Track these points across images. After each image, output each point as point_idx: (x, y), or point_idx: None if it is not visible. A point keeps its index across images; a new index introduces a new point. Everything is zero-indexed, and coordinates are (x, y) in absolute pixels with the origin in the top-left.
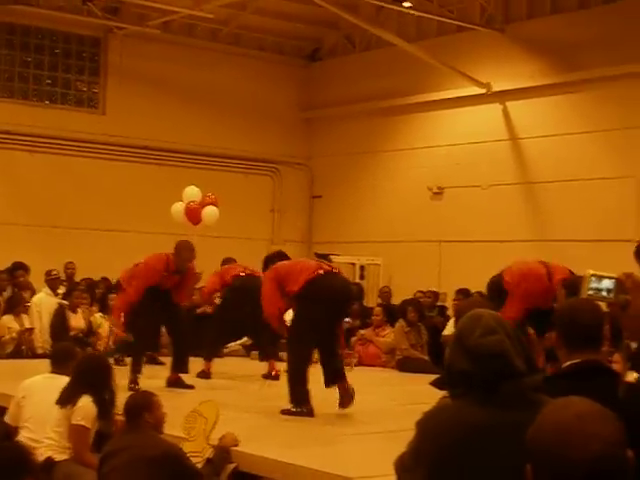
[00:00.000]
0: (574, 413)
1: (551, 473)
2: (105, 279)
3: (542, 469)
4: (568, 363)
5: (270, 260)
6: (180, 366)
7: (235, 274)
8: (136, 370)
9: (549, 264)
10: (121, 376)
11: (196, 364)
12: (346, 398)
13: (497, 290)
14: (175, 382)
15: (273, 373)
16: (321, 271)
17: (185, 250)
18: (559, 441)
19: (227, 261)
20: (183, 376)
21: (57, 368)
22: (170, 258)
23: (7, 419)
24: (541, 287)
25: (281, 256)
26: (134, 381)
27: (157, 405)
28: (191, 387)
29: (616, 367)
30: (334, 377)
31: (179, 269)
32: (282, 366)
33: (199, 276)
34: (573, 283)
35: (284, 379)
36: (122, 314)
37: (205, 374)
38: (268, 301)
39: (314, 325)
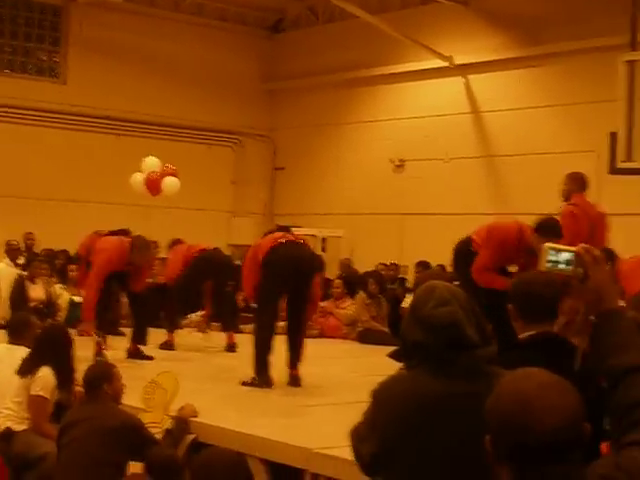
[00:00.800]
0: (535, 383)
1: (511, 443)
2: (64, 251)
3: (502, 439)
4: (524, 335)
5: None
6: (139, 337)
7: (202, 248)
8: (100, 341)
9: (519, 221)
10: (82, 347)
11: (155, 335)
12: (291, 384)
13: (463, 254)
14: (135, 353)
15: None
16: (283, 240)
17: (138, 249)
18: (520, 411)
19: (176, 242)
20: (144, 347)
21: (14, 339)
22: (127, 248)
23: None
24: (512, 238)
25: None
26: (99, 353)
27: (117, 376)
28: (151, 358)
29: (576, 340)
30: (290, 362)
31: (133, 263)
32: (241, 338)
33: (153, 262)
34: (542, 223)
35: (244, 351)
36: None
37: (168, 345)
38: (246, 278)
39: (275, 292)
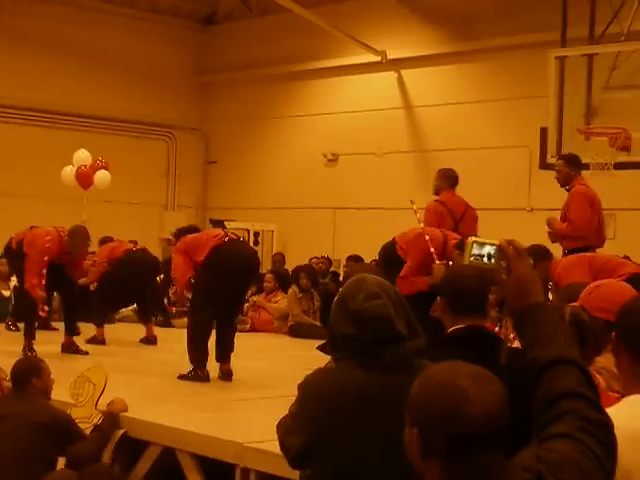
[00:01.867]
0: (464, 373)
1: (446, 435)
2: None
3: (435, 432)
4: (452, 328)
5: (182, 233)
6: (72, 328)
7: (127, 248)
8: (30, 336)
9: (445, 231)
10: (12, 341)
11: (86, 329)
12: (222, 379)
13: (389, 259)
14: (69, 347)
15: (150, 337)
16: (226, 239)
17: (78, 237)
18: (454, 402)
19: (106, 240)
20: (78, 342)
21: None
22: (63, 238)
23: None
24: (435, 251)
25: (192, 230)
26: (28, 347)
27: (46, 371)
28: (85, 353)
29: (507, 332)
30: (221, 355)
31: (71, 252)
32: (173, 333)
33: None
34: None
35: (176, 346)
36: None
37: (97, 340)
38: (179, 271)
39: (216, 291)
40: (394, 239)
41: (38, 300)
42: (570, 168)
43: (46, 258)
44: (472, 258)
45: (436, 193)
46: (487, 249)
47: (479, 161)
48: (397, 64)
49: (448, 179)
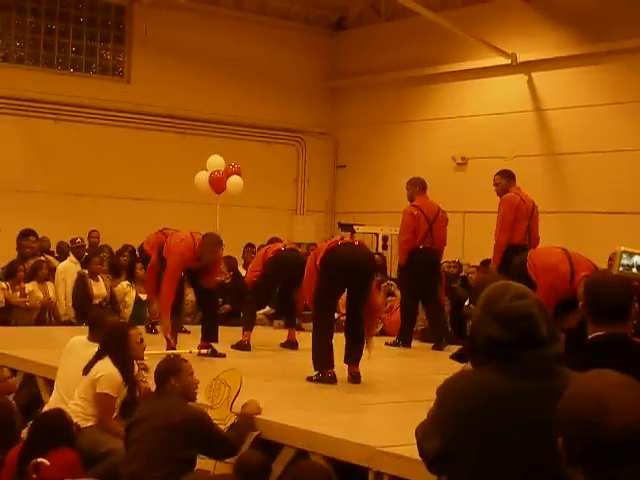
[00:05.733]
0: (608, 382)
1: (585, 443)
2: (128, 246)
3: (575, 440)
4: (593, 335)
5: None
6: (210, 335)
7: (277, 249)
8: (172, 338)
9: (572, 257)
10: (151, 343)
11: (223, 333)
12: (351, 381)
13: (519, 274)
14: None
15: (292, 342)
16: (340, 242)
17: (209, 244)
18: (592, 410)
19: (271, 240)
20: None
21: (92, 336)
22: (197, 245)
23: None
24: (564, 286)
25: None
26: (171, 348)
27: (187, 371)
28: (223, 355)
29: None
30: (349, 358)
31: (202, 259)
32: (303, 336)
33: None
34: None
35: (307, 347)
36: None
37: (244, 345)
38: (306, 283)
39: (332, 291)
40: (529, 255)
41: (163, 326)
42: (506, 180)
43: (182, 269)
44: (621, 268)
45: (410, 200)
46: (636, 259)
47: (611, 164)
48: (527, 67)
49: (418, 185)
